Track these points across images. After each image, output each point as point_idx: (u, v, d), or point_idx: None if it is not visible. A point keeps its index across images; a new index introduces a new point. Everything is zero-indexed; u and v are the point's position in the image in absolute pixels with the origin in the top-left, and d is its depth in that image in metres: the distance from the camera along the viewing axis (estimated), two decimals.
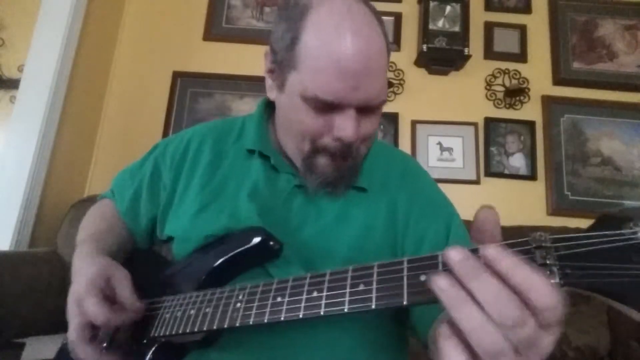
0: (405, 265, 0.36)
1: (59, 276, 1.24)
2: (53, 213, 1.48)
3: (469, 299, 0.28)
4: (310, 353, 0.55)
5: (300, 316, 0.41)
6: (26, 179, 1.38)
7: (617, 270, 0.27)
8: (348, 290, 0.39)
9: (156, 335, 0.53)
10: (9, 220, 1.35)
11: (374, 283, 0.37)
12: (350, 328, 0.57)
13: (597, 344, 1.26)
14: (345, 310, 0.38)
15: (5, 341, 1.12)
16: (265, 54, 0.61)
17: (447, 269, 0.31)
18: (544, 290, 0.27)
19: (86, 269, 0.56)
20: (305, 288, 0.42)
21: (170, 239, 0.68)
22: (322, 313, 0.39)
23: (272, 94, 0.62)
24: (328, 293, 0.40)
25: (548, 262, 0.29)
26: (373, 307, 0.36)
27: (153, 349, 0.53)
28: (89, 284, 0.53)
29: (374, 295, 0.37)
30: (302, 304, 0.41)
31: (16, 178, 1.38)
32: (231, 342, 0.55)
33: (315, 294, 0.41)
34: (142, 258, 0.71)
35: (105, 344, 0.57)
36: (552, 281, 0.28)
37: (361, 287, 0.38)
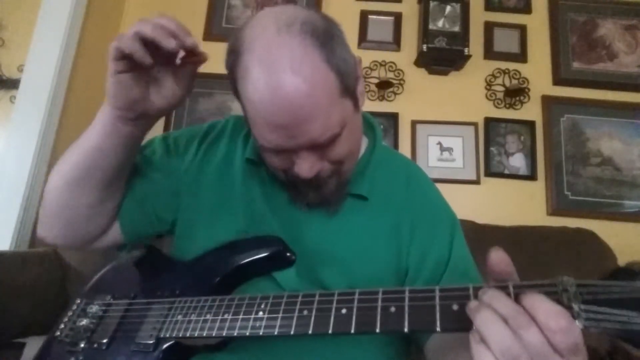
0: (437, 293, 0.38)
1: (59, 276, 1.24)
2: None
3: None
4: (315, 357, 0.56)
5: (330, 332, 0.41)
6: (26, 179, 1.38)
7: (635, 318, 0.30)
8: (379, 311, 0.40)
9: (167, 335, 0.53)
10: (9, 220, 1.35)
11: (406, 307, 0.39)
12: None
13: (597, 344, 1.26)
14: (377, 330, 0.39)
15: (5, 341, 1.12)
16: None
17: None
18: (551, 311, 0.31)
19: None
20: (334, 305, 0.43)
21: (173, 228, 0.68)
22: (352, 331, 0.40)
23: None
24: (358, 312, 0.41)
25: (574, 305, 0.32)
26: (406, 330, 0.38)
27: (162, 348, 0.53)
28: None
29: (406, 318, 0.38)
30: (331, 320, 0.42)
31: (16, 178, 1.38)
32: (238, 346, 0.55)
33: (344, 311, 0.42)
34: (149, 256, 0.70)
35: (106, 340, 0.57)
36: (577, 323, 0.31)
37: (392, 310, 0.39)
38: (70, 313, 0.64)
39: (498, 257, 0.36)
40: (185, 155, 0.69)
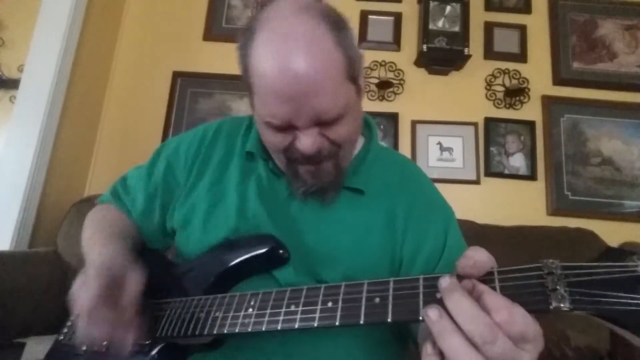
0: (421, 282, 0.38)
1: (59, 276, 1.24)
2: (53, 213, 1.48)
3: (454, 330, 0.32)
4: (310, 356, 0.55)
5: (315, 325, 0.42)
6: (26, 179, 1.38)
7: (622, 299, 0.30)
8: (364, 302, 0.40)
9: (162, 335, 0.53)
10: (9, 220, 1.35)
11: (390, 297, 0.39)
12: (351, 329, 0.58)
13: (597, 344, 1.26)
14: (362, 322, 0.39)
15: (5, 341, 1.12)
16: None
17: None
18: (503, 306, 0.31)
19: (107, 258, 0.56)
20: (320, 298, 0.43)
21: (174, 232, 0.69)
22: (337, 323, 0.40)
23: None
24: (343, 305, 0.41)
25: (558, 287, 0.31)
26: (389, 320, 0.38)
27: (158, 348, 0.53)
28: (101, 275, 0.52)
29: (390, 309, 0.38)
30: (317, 314, 0.42)
31: (16, 178, 1.38)
32: (233, 345, 0.55)
33: (330, 304, 0.42)
34: (148, 258, 0.71)
35: (105, 342, 0.57)
36: (562, 305, 0.31)
37: (377, 301, 0.39)
38: (72, 317, 0.66)
39: (465, 261, 0.36)
40: (184, 166, 0.71)
